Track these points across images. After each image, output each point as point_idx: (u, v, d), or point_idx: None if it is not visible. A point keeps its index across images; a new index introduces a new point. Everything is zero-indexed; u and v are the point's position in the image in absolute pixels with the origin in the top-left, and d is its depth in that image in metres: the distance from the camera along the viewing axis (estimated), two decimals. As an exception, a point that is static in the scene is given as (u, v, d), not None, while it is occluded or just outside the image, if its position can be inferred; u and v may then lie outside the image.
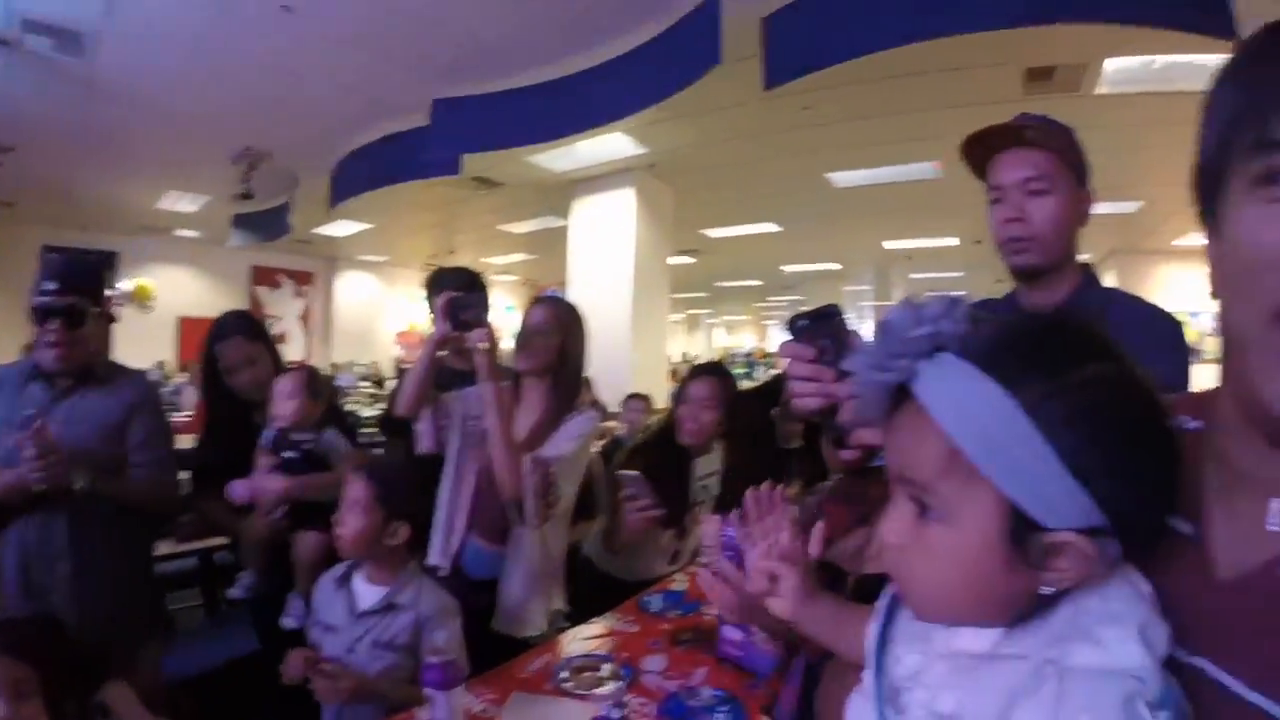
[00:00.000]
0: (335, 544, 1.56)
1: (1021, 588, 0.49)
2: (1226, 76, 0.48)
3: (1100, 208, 1.32)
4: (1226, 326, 0.49)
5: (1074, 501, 0.46)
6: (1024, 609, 0.51)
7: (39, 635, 1.27)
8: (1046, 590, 0.49)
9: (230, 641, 2.71)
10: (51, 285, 1.70)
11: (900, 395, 0.52)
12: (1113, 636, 0.47)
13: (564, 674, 1.53)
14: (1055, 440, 0.45)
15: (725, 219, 7.78)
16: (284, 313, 10.76)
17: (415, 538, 1.61)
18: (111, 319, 1.82)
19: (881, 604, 0.62)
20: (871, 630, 0.62)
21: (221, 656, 2.64)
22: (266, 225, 6.59)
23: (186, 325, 9.58)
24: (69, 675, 1.24)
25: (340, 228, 8.34)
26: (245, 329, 2.10)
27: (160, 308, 9.45)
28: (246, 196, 5.84)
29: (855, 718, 0.62)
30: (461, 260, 10.07)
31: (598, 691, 1.38)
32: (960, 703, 0.51)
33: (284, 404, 1.95)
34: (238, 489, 1.95)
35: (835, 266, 11.25)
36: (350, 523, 1.51)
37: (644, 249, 6.07)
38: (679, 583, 2.05)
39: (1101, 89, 3.94)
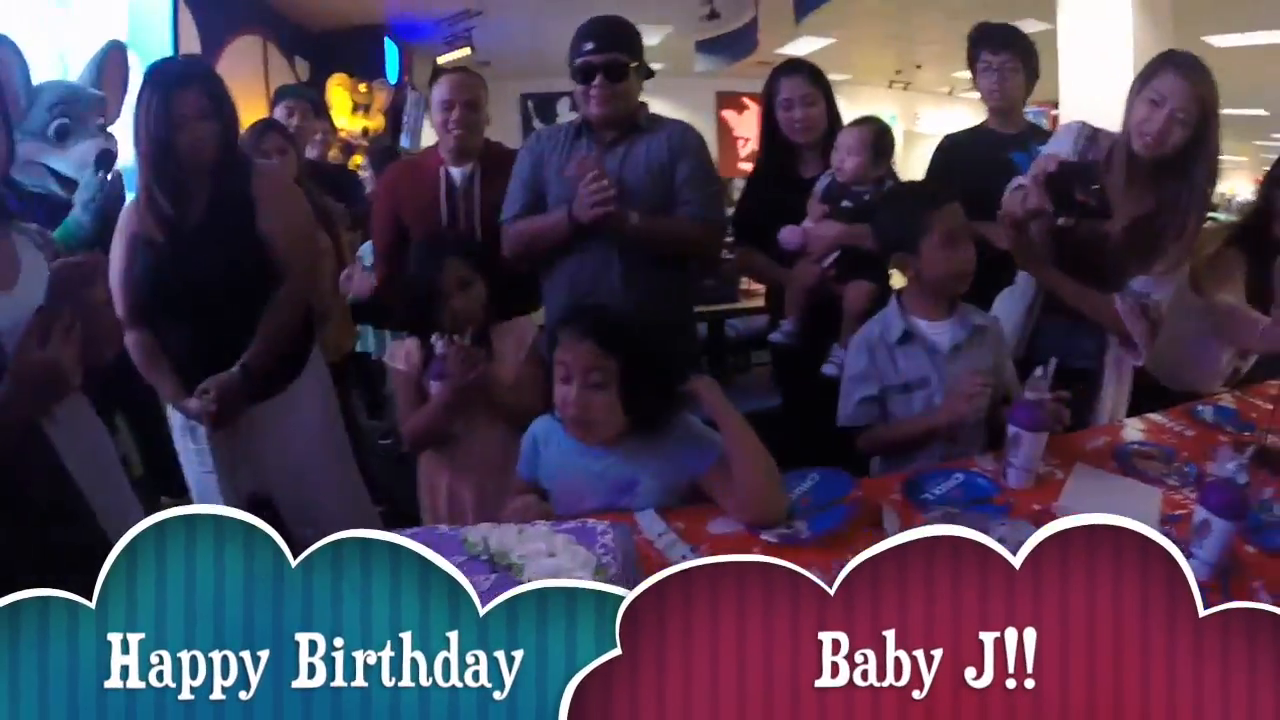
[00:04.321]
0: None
1: None
2: None
3: None
4: None
5: None
6: None
7: (623, 327, 1.31)
8: None
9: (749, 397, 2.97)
10: (589, 44, 1.76)
11: None
12: None
13: (1128, 457, 1.46)
14: None
15: (1233, 22, 6.18)
16: (753, 135, 11.43)
17: None
18: (650, 73, 1.93)
19: None
20: None
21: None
22: (733, 45, 6.78)
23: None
24: (647, 368, 1.25)
25: (803, 45, 8.03)
26: (807, 71, 2.12)
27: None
28: (713, 16, 6.24)
29: None
30: (929, 76, 9.33)
31: (1168, 479, 1.31)
32: None
33: (846, 158, 1.93)
34: (790, 234, 1.97)
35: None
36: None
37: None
38: (1227, 400, 1.85)
39: None
